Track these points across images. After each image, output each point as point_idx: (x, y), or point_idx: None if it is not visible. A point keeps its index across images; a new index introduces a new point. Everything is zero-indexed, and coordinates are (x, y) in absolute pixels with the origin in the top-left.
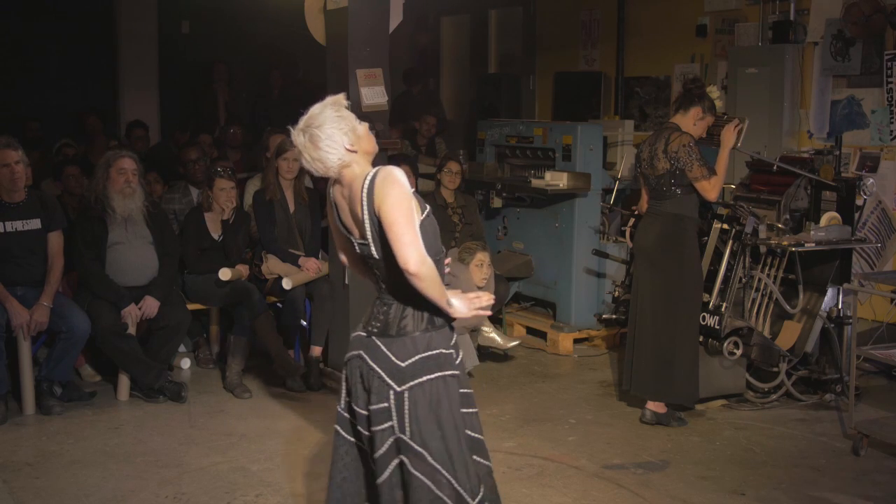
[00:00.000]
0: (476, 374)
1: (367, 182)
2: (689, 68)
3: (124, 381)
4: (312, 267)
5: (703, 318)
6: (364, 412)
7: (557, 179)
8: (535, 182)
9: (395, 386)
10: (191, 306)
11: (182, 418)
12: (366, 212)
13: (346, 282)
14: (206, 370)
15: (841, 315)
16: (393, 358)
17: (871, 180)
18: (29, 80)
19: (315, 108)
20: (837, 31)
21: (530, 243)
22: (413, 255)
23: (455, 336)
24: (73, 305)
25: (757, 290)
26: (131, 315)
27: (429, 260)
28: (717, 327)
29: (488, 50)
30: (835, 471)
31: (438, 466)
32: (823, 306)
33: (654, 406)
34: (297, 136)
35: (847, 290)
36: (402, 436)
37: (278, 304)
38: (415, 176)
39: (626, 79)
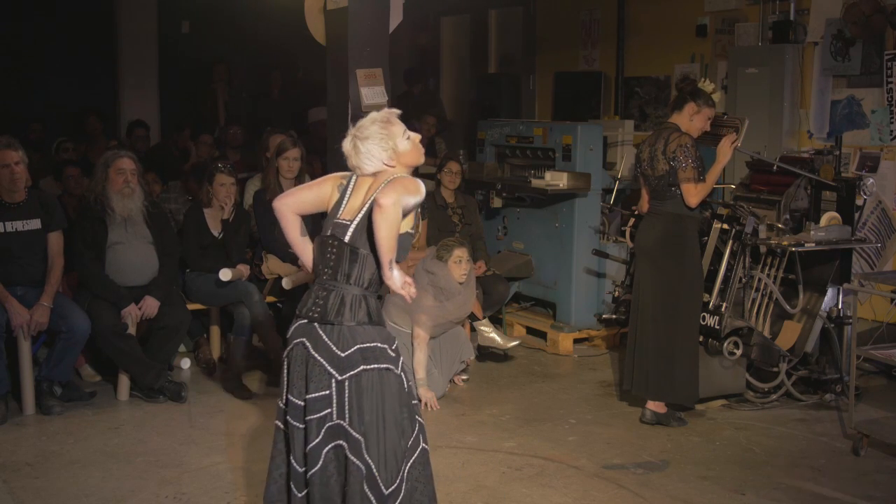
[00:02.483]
0: (476, 374)
1: (392, 175)
2: (689, 68)
3: (124, 381)
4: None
5: (703, 318)
6: (300, 402)
7: (557, 179)
8: (535, 182)
9: (336, 374)
10: (191, 306)
11: (182, 418)
12: (377, 190)
13: None
14: (206, 370)
15: (841, 315)
16: (333, 347)
17: (871, 180)
18: (29, 81)
19: (366, 120)
20: (837, 31)
21: (530, 243)
22: (393, 195)
23: (394, 339)
24: (73, 305)
25: (757, 290)
26: (131, 315)
27: (400, 210)
28: (717, 327)
29: (488, 50)
30: (835, 471)
31: (367, 456)
32: (823, 306)
33: (654, 406)
34: (346, 141)
35: (847, 290)
36: (342, 422)
37: (278, 304)
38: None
39: (626, 79)
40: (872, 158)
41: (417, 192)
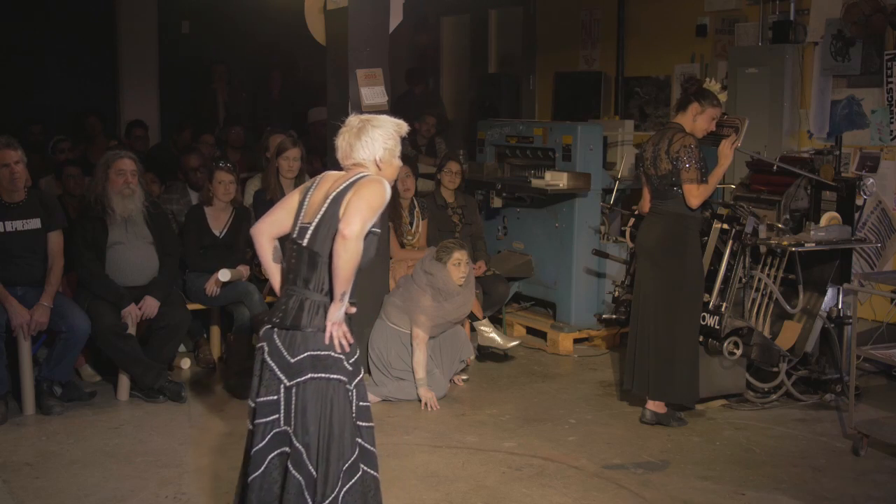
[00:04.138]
0: (476, 374)
1: (360, 173)
2: (689, 68)
3: (124, 381)
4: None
5: (703, 318)
6: (252, 404)
7: (557, 179)
8: (535, 182)
9: (284, 380)
10: (191, 306)
11: (182, 418)
12: (334, 193)
13: None
14: (206, 370)
15: (841, 315)
16: (284, 353)
17: (871, 180)
18: (29, 81)
19: (385, 117)
20: (837, 31)
21: (530, 243)
22: (357, 225)
23: (356, 352)
24: (73, 305)
25: (757, 290)
26: (131, 315)
27: (363, 242)
28: (717, 327)
29: (488, 50)
30: (835, 471)
31: (310, 466)
32: (823, 306)
33: (654, 406)
34: (355, 118)
35: (847, 290)
36: (288, 428)
37: None
38: (415, 176)
39: (626, 79)
40: (872, 158)
41: (382, 201)
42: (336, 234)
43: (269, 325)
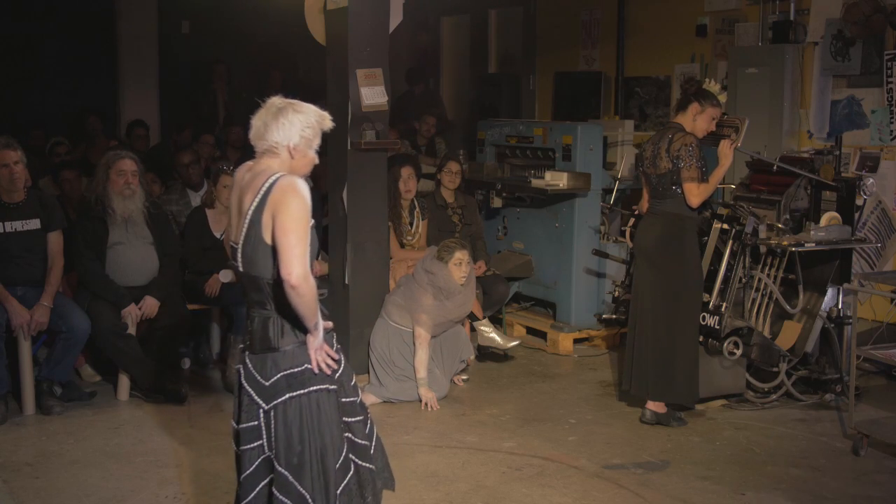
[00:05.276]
0: (476, 374)
1: (270, 180)
2: (689, 68)
3: (124, 381)
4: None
5: (703, 318)
6: (235, 426)
7: (557, 179)
8: (535, 182)
9: (262, 404)
10: (191, 306)
11: (182, 418)
12: (252, 208)
13: (346, 282)
14: (206, 370)
15: (841, 315)
16: (258, 376)
17: (871, 180)
18: (29, 82)
19: (313, 106)
20: (837, 31)
21: (530, 243)
22: (298, 268)
23: (336, 351)
24: (73, 305)
25: (757, 290)
26: (131, 315)
27: (311, 278)
28: (717, 327)
29: (488, 50)
30: (835, 471)
31: (301, 489)
32: (823, 306)
33: (654, 406)
34: (278, 98)
35: (847, 290)
36: (271, 454)
37: None
38: (417, 176)
39: (626, 79)
40: (872, 158)
41: (307, 216)
42: (265, 248)
43: (242, 348)
